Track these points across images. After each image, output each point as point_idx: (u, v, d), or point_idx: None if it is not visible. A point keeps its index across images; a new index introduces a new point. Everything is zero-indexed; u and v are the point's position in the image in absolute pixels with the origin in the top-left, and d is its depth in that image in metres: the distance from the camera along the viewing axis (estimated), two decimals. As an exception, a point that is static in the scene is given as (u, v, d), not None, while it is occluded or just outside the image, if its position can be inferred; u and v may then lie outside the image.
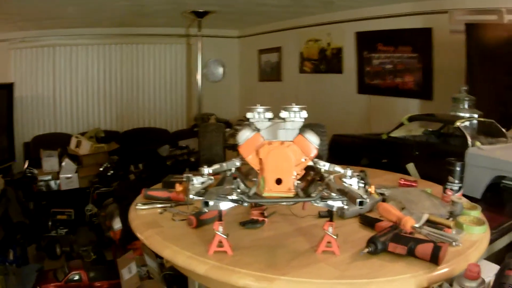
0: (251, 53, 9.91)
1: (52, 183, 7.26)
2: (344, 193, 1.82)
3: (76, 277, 5.12)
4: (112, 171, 7.29)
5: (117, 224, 5.73)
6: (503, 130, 3.80)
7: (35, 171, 7.32)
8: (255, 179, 2.01)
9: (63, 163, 7.28)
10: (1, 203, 5.88)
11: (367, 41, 6.96)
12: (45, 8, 6.31)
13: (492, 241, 2.40)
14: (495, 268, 1.93)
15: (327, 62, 7.79)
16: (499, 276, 1.60)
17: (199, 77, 8.62)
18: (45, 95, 8.72)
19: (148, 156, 7.75)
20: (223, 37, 10.07)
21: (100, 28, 8.72)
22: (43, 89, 8.71)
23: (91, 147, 7.64)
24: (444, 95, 5.23)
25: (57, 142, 7.95)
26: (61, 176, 7.25)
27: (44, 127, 8.74)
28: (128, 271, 4.35)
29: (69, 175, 7.29)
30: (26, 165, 7.46)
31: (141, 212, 2.46)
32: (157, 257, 4.02)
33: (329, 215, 1.92)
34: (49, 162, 7.30)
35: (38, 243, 6.31)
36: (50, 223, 6.78)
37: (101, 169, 7.34)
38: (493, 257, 2.48)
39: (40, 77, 8.68)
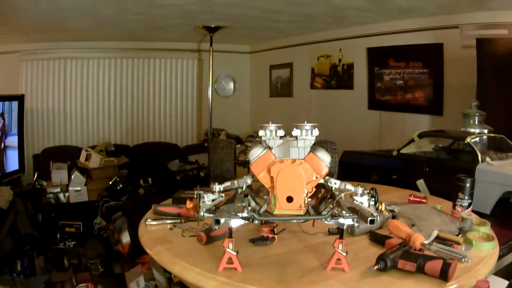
0: (262, 68, 9.88)
1: (61, 195, 7.26)
2: (355, 211, 1.83)
3: (84, 290, 5.12)
4: (121, 185, 7.29)
5: (125, 238, 5.72)
6: (514, 145, 3.80)
7: (44, 183, 7.32)
8: (266, 196, 2.01)
9: (73, 176, 7.28)
10: (10, 215, 5.88)
11: (378, 57, 6.95)
12: (56, 20, 6.32)
13: (501, 256, 2.41)
14: (503, 283, 1.93)
15: (338, 78, 7.77)
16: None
17: (210, 92, 8.62)
18: (55, 107, 8.73)
19: (157, 171, 7.76)
20: (234, 52, 10.04)
21: (112, 42, 8.73)
22: (54, 101, 8.71)
23: (101, 160, 7.63)
24: (454, 110, 5.23)
25: (67, 155, 7.95)
26: (70, 188, 7.26)
27: (54, 140, 8.74)
28: (136, 285, 4.35)
29: (78, 188, 7.29)
30: (35, 177, 7.47)
31: (151, 228, 2.46)
32: (165, 271, 4.02)
33: (339, 232, 1.91)
34: (59, 174, 7.31)
35: (46, 255, 6.33)
36: (58, 235, 6.80)
37: (110, 182, 7.34)
38: (501, 272, 2.48)
39: (50, 89, 8.67)
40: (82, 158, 7.71)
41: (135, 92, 9.34)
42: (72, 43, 8.44)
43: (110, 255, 6.29)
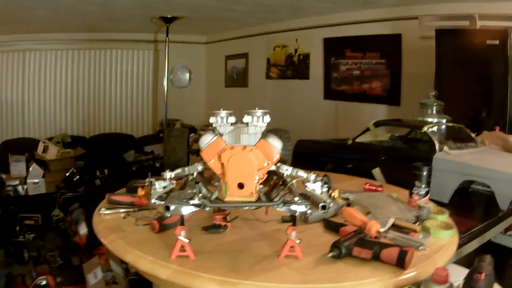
0: (218, 59, 9.96)
1: (19, 188, 7.22)
2: (307, 197, 1.81)
3: (44, 282, 5.08)
4: (78, 176, 7.26)
5: (83, 229, 5.70)
6: (473, 135, 3.81)
7: (4, 176, 7.27)
8: (217, 183, 1.99)
9: (31, 168, 7.24)
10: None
11: (335, 47, 6.98)
12: (14, 12, 6.27)
13: (461, 245, 2.41)
14: (464, 271, 1.91)
15: (294, 68, 7.82)
16: (468, 279, 1.59)
17: (165, 82, 8.61)
18: (14, 99, 8.71)
19: (113, 162, 7.75)
20: (190, 43, 10.11)
21: (69, 34, 8.73)
22: (12, 93, 8.69)
23: (58, 152, 7.61)
24: (412, 101, 5.24)
25: (25, 147, 7.94)
26: (28, 181, 7.21)
27: (12, 132, 8.72)
28: (94, 276, 4.32)
29: (36, 180, 7.24)
30: (-6, 170, 7.40)
31: (105, 217, 2.43)
32: (122, 262, 3.99)
33: (292, 219, 1.90)
34: (17, 167, 7.26)
35: (7, 248, 6.26)
36: (18, 228, 6.73)
37: (67, 174, 7.31)
38: (462, 261, 2.48)
39: (9, 81, 8.67)
40: (40, 150, 7.68)
41: (91, 83, 9.40)
42: (30, 35, 8.44)
43: (69, 246, 6.27)
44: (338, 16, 6.67)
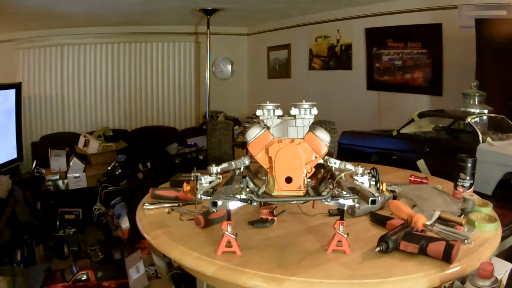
0: (260, 50, 9.85)
1: (60, 182, 7.25)
2: (356, 191, 1.79)
3: (84, 277, 5.12)
4: (120, 170, 7.28)
5: (125, 223, 5.71)
6: (514, 125, 3.77)
7: (43, 171, 7.31)
8: (264, 177, 1.99)
9: (71, 163, 7.27)
10: (9, 204, 5.85)
11: (377, 37, 6.92)
12: (52, 7, 6.28)
13: (503, 238, 2.39)
14: (507, 265, 1.90)
15: (336, 58, 7.75)
16: (513, 274, 1.57)
17: (207, 74, 8.59)
18: (53, 94, 8.70)
19: (156, 155, 7.76)
20: (232, 35, 10.01)
21: (108, 27, 8.69)
22: (51, 88, 8.68)
23: (99, 146, 7.63)
24: (454, 91, 5.21)
25: (65, 141, 7.94)
26: (69, 175, 7.24)
27: (52, 127, 8.72)
28: (136, 271, 4.33)
29: (77, 175, 7.28)
30: (34, 165, 7.45)
31: (149, 212, 2.44)
32: (165, 256, 3.99)
33: (340, 213, 1.89)
34: (57, 161, 7.29)
35: (46, 243, 6.31)
36: (58, 222, 6.79)
37: (109, 168, 7.33)
38: (504, 254, 2.45)
39: (47, 76, 8.64)
40: (81, 144, 7.71)
41: (132, 77, 9.32)
42: (68, 30, 8.41)
43: (110, 241, 6.29)
44: (379, 6, 6.61)
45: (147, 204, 2.50)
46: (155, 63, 9.45)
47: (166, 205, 2.50)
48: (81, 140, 7.74)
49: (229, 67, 10.04)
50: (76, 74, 8.82)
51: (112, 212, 6.23)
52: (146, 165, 7.39)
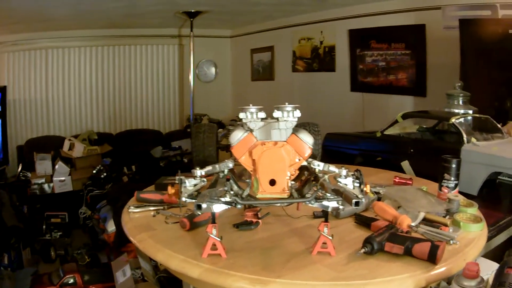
0: (244, 52, 9.89)
1: (45, 186, 7.26)
2: (339, 193, 1.80)
3: (71, 281, 5.12)
4: (105, 173, 7.28)
5: (111, 227, 5.72)
6: (499, 125, 3.78)
7: (29, 175, 7.32)
8: (248, 180, 1.99)
9: (57, 166, 7.28)
10: (-5, 207, 5.87)
11: (360, 39, 6.95)
12: (37, 10, 6.28)
13: (489, 238, 2.40)
14: (493, 265, 1.91)
15: (320, 60, 7.77)
16: (499, 274, 1.58)
17: (191, 77, 8.61)
18: (38, 97, 8.70)
19: (141, 158, 7.78)
20: (215, 37, 10.03)
21: (92, 30, 8.70)
22: (36, 92, 8.68)
23: (84, 149, 7.65)
24: (438, 91, 5.22)
25: (50, 145, 7.95)
26: (54, 179, 7.26)
27: (37, 130, 8.71)
28: (123, 274, 4.33)
29: (63, 178, 7.29)
30: (19, 169, 7.44)
31: (134, 215, 2.44)
32: (151, 260, 3.99)
33: (324, 215, 1.89)
34: (43, 165, 7.30)
35: (33, 247, 6.31)
36: (44, 226, 6.79)
37: (94, 171, 7.34)
38: (490, 254, 2.47)
39: (32, 80, 8.64)
40: (66, 147, 7.71)
41: (116, 80, 9.35)
42: (53, 33, 8.42)
43: (96, 244, 6.31)
44: (362, 7, 6.63)
45: (132, 207, 2.50)
46: (139, 66, 9.49)
47: (152, 208, 2.50)
48: (66, 144, 7.74)
49: (213, 69, 10.11)
50: (61, 77, 8.84)
51: (98, 215, 6.24)
52: (131, 168, 7.42)
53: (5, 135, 7.60)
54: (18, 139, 8.46)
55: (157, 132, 9.60)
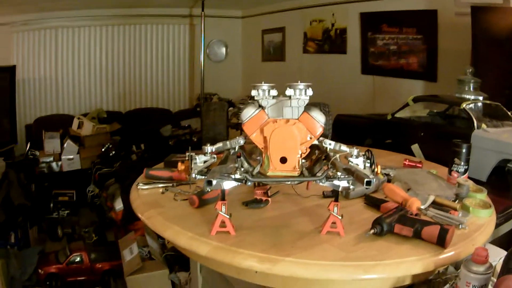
0: (254, 33, 9.85)
1: (54, 164, 7.27)
2: (351, 172, 1.79)
3: (78, 259, 5.13)
4: (114, 152, 7.29)
5: (118, 205, 5.73)
6: (509, 113, 3.77)
7: (37, 153, 7.31)
8: (259, 157, 1.98)
9: (65, 145, 7.28)
10: (3, 186, 5.86)
11: (372, 22, 6.91)
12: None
13: (498, 225, 2.39)
14: (500, 252, 1.90)
15: (331, 42, 7.73)
16: (507, 261, 1.57)
17: (201, 57, 8.59)
18: (47, 77, 8.69)
19: (150, 136, 7.77)
20: (226, 17, 10.00)
21: (102, 9, 8.67)
22: (45, 71, 8.67)
23: (93, 128, 7.63)
24: (448, 77, 5.19)
25: (59, 123, 7.94)
26: (63, 157, 7.26)
27: (46, 109, 8.70)
28: (130, 252, 4.34)
29: (71, 156, 7.30)
30: (28, 147, 7.45)
31: (143, 192, 2.44)
32: (158, 238, 4.00)
33: (334, 195, 1.89)
34: (51, 143, 7.30)
35: (40, 225, 6.32)
36: (51, 204, 6.79)
37: (103, 149, 7.36)
38: (497, 241, 2.46)
39: (42, 59, 8.63)
40: (75, 126, 7.70)
41: (126, 59, 9.32)
42: (62, 13, 8.39)
43: (104, 222, 6.32)
44: (374, -10, 6.62)
45: (141, 184, 2.50)
46: (149, 45, 9.46)
47: (160, 185, 2.50)
48: (75, 122, 7.74)
49: (223, 49, 10.07)
50: (70, 56, 8.81)
51: (106, 193, 6.24)
52: (139, 146, 7.42)
53: (13, 114, 7.60)
54: (27, 118, 8.46)
55: (166, 110, 9.59)
